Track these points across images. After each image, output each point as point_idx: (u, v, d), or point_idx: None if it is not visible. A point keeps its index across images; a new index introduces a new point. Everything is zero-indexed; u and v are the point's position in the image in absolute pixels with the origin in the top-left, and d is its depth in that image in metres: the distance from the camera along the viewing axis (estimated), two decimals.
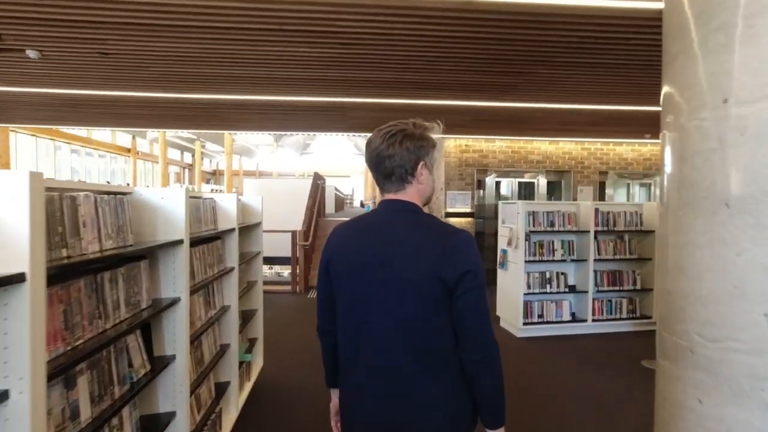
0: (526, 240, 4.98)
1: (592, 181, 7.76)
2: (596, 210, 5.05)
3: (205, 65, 3.75)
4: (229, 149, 14.78)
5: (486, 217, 7.94)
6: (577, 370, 3.99)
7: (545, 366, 4.09)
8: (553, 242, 5.05)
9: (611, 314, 5.12)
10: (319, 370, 1.46)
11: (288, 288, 7.51)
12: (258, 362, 3.70)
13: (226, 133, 14.70)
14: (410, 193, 1.15)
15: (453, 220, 7.58)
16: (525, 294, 4.95)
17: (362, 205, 25.69)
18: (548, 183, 7.95)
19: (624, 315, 5.15)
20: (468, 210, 7.65)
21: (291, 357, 4.26)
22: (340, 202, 20.36)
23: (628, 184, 8.24)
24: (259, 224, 3.60)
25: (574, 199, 7.68)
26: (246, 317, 3.35)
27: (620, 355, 4.38)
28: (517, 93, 4.54)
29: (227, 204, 2.71)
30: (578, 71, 3.78)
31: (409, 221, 1.13)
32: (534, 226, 5.02)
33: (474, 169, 7.68)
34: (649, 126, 6.28)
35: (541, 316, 5.01)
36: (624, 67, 3.68)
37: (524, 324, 4.94)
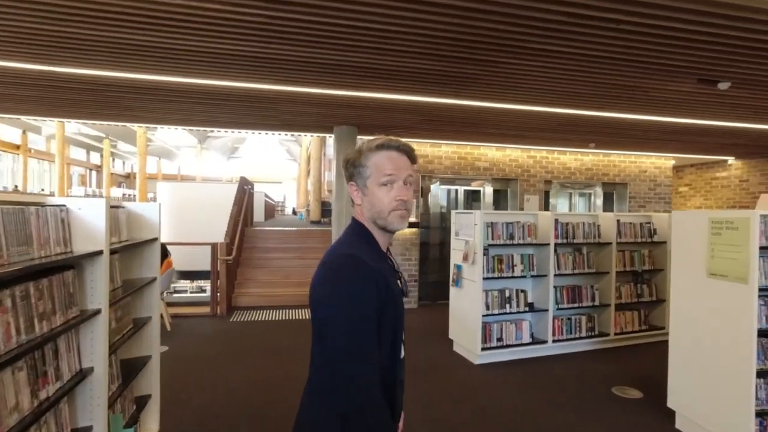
0: (484, 254, 4.44)
1: (538, 190, 7.54)
2: (556, 221, 4.65)
3: (91, 26, 2.74)
4: (142, 149, 13.03)
5: (431, 226, 7.41)
6: (546, 402, 3.46)
7: (510, 398, 3.52)
8: (512, 256, 4.57)
9: (571, 333, 4.74)
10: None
11: (206, 310, 6.39)
12: (150, 430, 2.72)
13: (139, 130, 12.97)
14: (356, 212, 1.19)
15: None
16: (484, 315, 4.40)
17: (294, 212, 24.42)
18: (494, 191, 7.61)
19: (583, 333, 4.79)
20: (412, 219, 7.05)
21: (204, 415, 3.30)
22: (271, 210, 19.04)
23: (570, 194, 8.16)
24: (154, 240, 2.65)
25: (521, 209, 7.41)
26: (130, 371, 2.39)
27: (588, 381, 3.94)
28: (476, 88, 4.00)
29: (90, 213, 1.78)
30: (548, 62, 3.30)
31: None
32: (493, 238, 4.50)
33: (418, 176, 7.12)
34: (594, 135, 6.12)
35: (500, 339, 4.48)
36: (597, 61, 3.25)
37: (483, 349, 4.38)
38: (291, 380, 3.85)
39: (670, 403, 3.18)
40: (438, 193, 7.42)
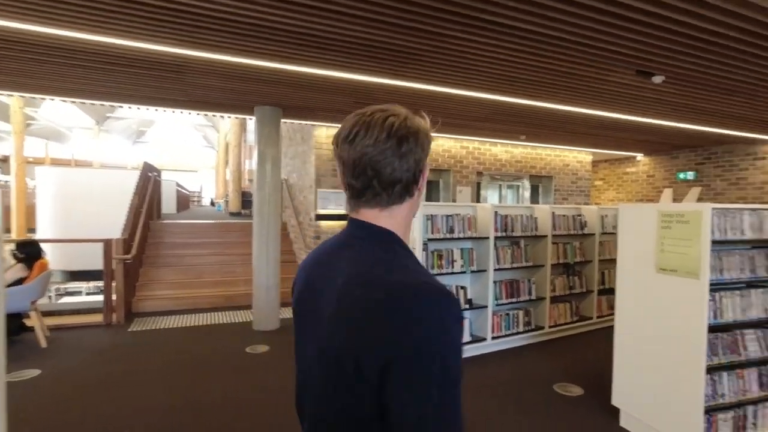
0: (423, 250, 4.12)
1: (470, 182, 7.45)
2: (495, 213, 4.47)
3: None
4: (18, 127, 10.97)
5: None
6: (493, 406, 3.23)
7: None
8: (452, 251, 4.30)
9: (509, 329, 4.61)
10: None
11: (99, 319, 5.39)
12: None
13: (12, 104, 10.92)
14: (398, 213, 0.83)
15: (325, 224, 6.44)
16: None
17: (213, 203, 22.67)
18: (427, 182, 7.37)
19: (521, 328, 4.69)
20: (342, 212, 6.59)
21: None
22: (185, 201, 17.38)
23: (500, 186, 8.22)
24: None
25: (453, 200, 7.27)
26: None
27: (529, 380, 3.80)
28: (418, 68, 3.63)
29: None
30: (499, 39, 3.01)
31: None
32: (433, 232, 4.20)
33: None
34: (527, 126, 6.10)
35: None
36: (547, 42, 3.02)
37: None
38: (207, 405, 3.22)
39: (615, 401, 3.09)
40: None
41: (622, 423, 3.05)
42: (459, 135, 7.00)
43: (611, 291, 5.39)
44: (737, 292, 2.70)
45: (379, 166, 0.77)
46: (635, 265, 2.95)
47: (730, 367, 2.68)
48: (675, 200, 8.00)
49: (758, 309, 2.76)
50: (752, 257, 2.78)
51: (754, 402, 2.73)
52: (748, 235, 2.72)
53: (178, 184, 14.23)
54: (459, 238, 4.33)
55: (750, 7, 2.44)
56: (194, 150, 23.99)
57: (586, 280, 5.26)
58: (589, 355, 4.44)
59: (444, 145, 7.24)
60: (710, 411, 2.60)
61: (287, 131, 8.25)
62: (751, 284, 2.78)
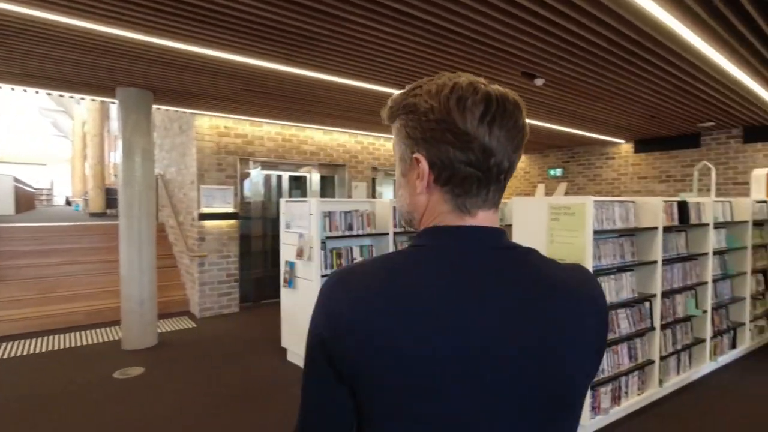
0: (321, 249, 3.88)
1: (365, 177, 7.38)
2: (394, 209, 4.41)
3: None
4: None
5: (252, 217, 6.49)
6: None
7: None
8: (351, 249, 4.14)
9: None
10: None
11: None
12: None
13: None
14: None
15: (210, 224, 5.82)
16: None
17: (69, 203, 19.41)
18: (321, 178, 7.13)
19: None
20: (230, 210, 6.02)
21: None
22: (28, 200, 14.55)
23: (394, 182, 8.28)
24: None
25: (349, 196, 7.13)
26: None
27: None
28: (314, 53, 3.36)
29: None
30: (403, 30, 2.90)
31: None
32: (331, 230, 3.98)
33: (236, 159, 6.10)
34: None
35: None
36: (445, 35, 3.00)
37: None
38: None
39: None
40: (259, 179, 6.52)
41: None
42: (354, 129, 6.87)
43: None
44: (612, 276, 2.99)
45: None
46: None
47: (608, 344, 2.96)
48: (547, 194, 8.93)
49: (627, 290, 3.09)
50: (621, 244, 3.10)
51: (626, 373, 3.06)
52: (619, 224, 3.02)
53: (16, 179, 11.82)
54: (358, 235, 4.18)
55: (616, 18, 2.67)
56: (41, 139, 20.25)
57: None
58: None
59: (339, 139, 7.05)
60: (594, 386, 2.84)
61: (162, 120, 7.29)
62: (620, 269, 3.10)
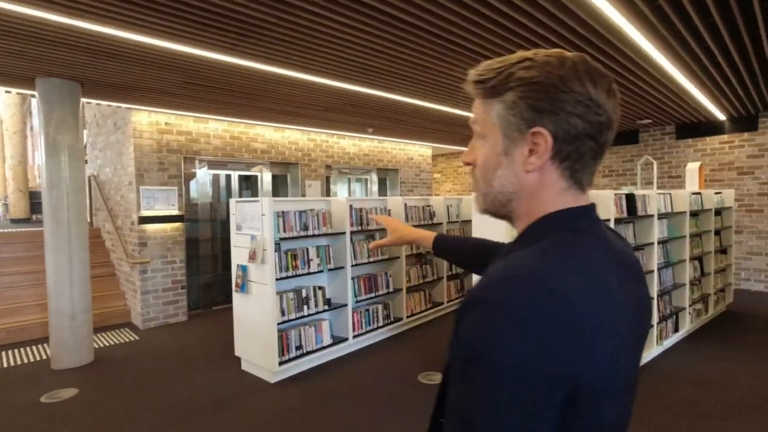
0: (275, 251, 3.68)
1: (319, 175, 7.17)
2: (351, 207, 4.29)
3: None
4: None
5: (200, 219, 6.11)
6: (361, 410, 3.04)
7: (320, 417, 2.94)
8: (307, 250, 3.96)
9: (369, 325, 4.50)
10: None
11: None
12: None
13: None
14: None
15: (152, 228, 5.41)
16: (279, 323, 3.66)
17: None
18: (273, 177, 6.85)
19: (380, 323, 4.63)
20: (174, 212, 5.63)
21: None
22: None
23: (349, 180, 8.15)
24: None
25: (303, 195, 6.90)
26: None
27: (395, 375, 3.73)
28: (261, 43, 3.14)
29: None
30: (357, 19, 2.76)
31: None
32: (285, 231, 3.78)
33: (180, 157, 5.71)
34: (374, 119, 6.11)
35: (299, 346, 3.84)
36: (404, 29, 2.91)
37: (281, 363, 3.65)
38: None
39: None
40: (207, 179, 6.15)
41: None
42: (306, 126, 6.65)
43: (458, 276, 5.78)
44: None
45: None
46: None
47: None
48: None
49: None
50: None
51: None
52: None
53: None
54: (314, 236, 4.01)
55: (569, 14, 2.69)
56: None
57: (436, 268, 5.51)
58: (445, 340, 4.63)
59: (291, 137, 6.80)
60: None
61: (94, 116, 6.69)
62: None
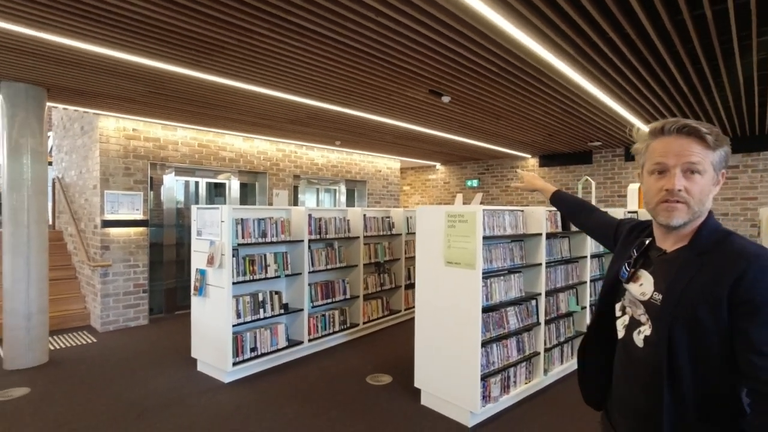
0: (233, 256, 3.85)
1: (287, 185, 7.35)
2: (309, 216, 4.49)
3: None
4: None
5: (165, 224, 6.19)
6: (307, 408, 3.21)
7: (267, 416, 3.10)
8: (265, 256, 4.13)
9: (326, 330, 4.68)
10: None
11: None
12: None
13: None
14: None
15: (116, 232, 5.47)
16: (234, 325, 3.81)
17: None
18: (241, 185, 6.99)
19: (337, 327, 4.81)
20: (139, 217, 5.70)
21: None
22: None
23: (317, 190, 8.35)
24: None
25: (270, 204, 7.06)
26: None
27: (344, 376, 3.92)
28: (222, 60, 3.35)
29: None
30: (308, 44, 3.01)
31: None
32: (243, 237, 3.96)
33: (147, 163, 5.80)
34: (340, 132, 6.35)
35: (254, 348, 3.99)
36: (353, 52, 3.17)
37: (234, 363, 3.79)
38: None
39: (417, 383, 3.42)
40: (174, 185, 6.25)
41: (423, 402, 3.39)
42: (274, 137, 6.84)
43: (414, 286, 6.02)
44: (501, 277, 3.31)
45: None
46: (429, 260, 3.32)
47: (498, 339, 3.26)
48: (465, 203, 9.48)
49: (516, 290, 3.43)
50: (511, 248, 3.44)
51: (514, 364, 3.38)
52: (509, 231, 3.35)
53: None
54: (272, 242, 4.20)
55: (501, 48, 3.01)
56: None
57: (394, 277, 5.74)
58: (398, 345, 4.85)
59: (259, 147, 6.97)
60: (485, 377, 3.11)
61: (60, 119, 6.72)
62: (511, 270, 3.44)
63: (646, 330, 1.03)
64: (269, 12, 2.52)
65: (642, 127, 5.70)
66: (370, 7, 2.47)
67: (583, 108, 4.73)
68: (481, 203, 9.32)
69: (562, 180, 8.34)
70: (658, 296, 1.02)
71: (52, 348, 4.60)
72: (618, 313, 1.15)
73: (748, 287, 0.88)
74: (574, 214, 1.67)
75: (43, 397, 3.47)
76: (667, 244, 1.07)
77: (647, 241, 1.13)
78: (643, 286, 1.08)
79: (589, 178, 6.01)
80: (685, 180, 0.98)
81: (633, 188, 5.86)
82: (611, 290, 1.18)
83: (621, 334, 1.11)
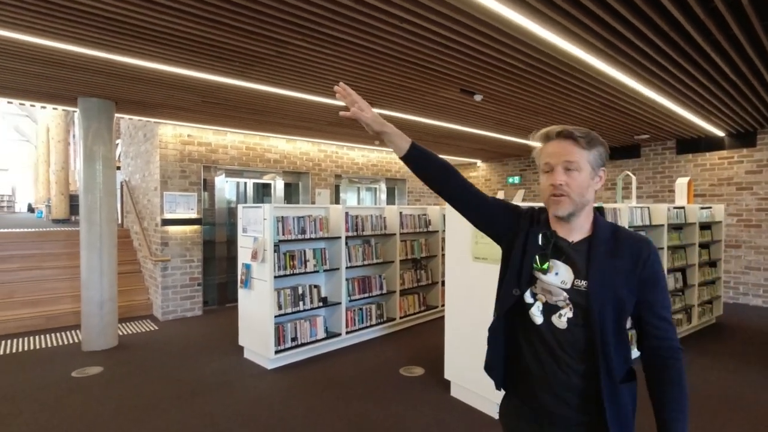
0: (274, 251, 4.13)
1: (329, 184, 7.65)
2: (347, 214, 4.71)
3: None
4: None
5: (217, 223, 6.67)
6: (342, 396, 3.42)
7: (306, 401, 3.35)
8: (304, 251, 4.40)
9: (362, 323, 4.90)
10: None
11: None
12: None
13: None
14: None
15: (173, 230, 5.98)
16: (276, 315, 4.10)
17: (31, 209, 18.92)
18: (285, 185, 7.37)
19: (373, 321, 5.01)
20: (193, 216, 6.19)
21: None
22: None
23: (358, 188, 8.60)
24: None
25: (312, 202, 7.38)
26: None
27: (378, 367, 4.10)
28: (263, 70, 3.63)
29: None
30: (339, 51, 3.21)
31: None
32: (284, 234, 4.24)
33: (200, 166, 6.28)
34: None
35: (294, 338, 4.26)
36: (382, 57, 3.33)
37: (276, 352, 4.08)
38: None
39: (447, 375, 3.54)
40: (224, 186, 6.71)
41: (453, 393, 3.51)
42: (316, 139, 7.15)
43: None
44: None
45: None
46: (458, 255, 3.43)
47: None
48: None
49: None
50: None
51: None
52: None
53: None
54: (311, 239, 4.45)
55: (531, 42, 3.05)
56: (2, 144, 19.69)
57: (431, 273, 5.85)
58: (432, 339, 4.97)
59: (302, 148, 7.31)
60: None
61: (127, 128, 7.40)
62: None
63: (567, 313, 1.15)
64: (301, 24, 2.74)
65: (698, 121, 5.45)
66: (394, 15, 2.62)
67: (622, 101, 4.61)
68: (523, 200, 9.18)
69: (608, 175, 8.06)
70: (582, 282, 1.14)
71: (120, 334, 5.14)
72: (530, 300, 1.20)
73: (650, 265, 1.13)
74: (443, 179, 1.33)
75: (113, 375, 3.93)
76: (572, 236, 1.21)
77: (549, 233, 1.21)
78: (560, 275, 1.17)
79: (630, 173, 5.80)
80: (566, 176, 1.14)
81: (681, 182, 5.61)
82: (518, 278, 1.22)
83: (539, 320, 1.19)
